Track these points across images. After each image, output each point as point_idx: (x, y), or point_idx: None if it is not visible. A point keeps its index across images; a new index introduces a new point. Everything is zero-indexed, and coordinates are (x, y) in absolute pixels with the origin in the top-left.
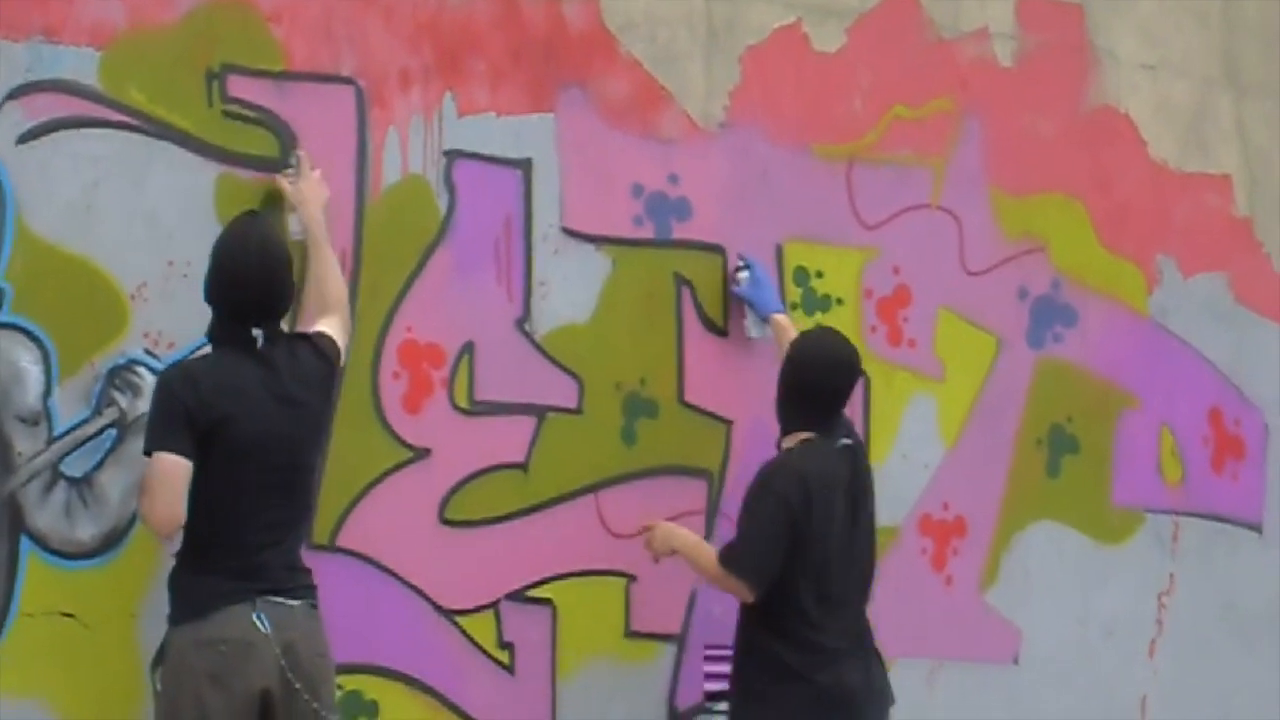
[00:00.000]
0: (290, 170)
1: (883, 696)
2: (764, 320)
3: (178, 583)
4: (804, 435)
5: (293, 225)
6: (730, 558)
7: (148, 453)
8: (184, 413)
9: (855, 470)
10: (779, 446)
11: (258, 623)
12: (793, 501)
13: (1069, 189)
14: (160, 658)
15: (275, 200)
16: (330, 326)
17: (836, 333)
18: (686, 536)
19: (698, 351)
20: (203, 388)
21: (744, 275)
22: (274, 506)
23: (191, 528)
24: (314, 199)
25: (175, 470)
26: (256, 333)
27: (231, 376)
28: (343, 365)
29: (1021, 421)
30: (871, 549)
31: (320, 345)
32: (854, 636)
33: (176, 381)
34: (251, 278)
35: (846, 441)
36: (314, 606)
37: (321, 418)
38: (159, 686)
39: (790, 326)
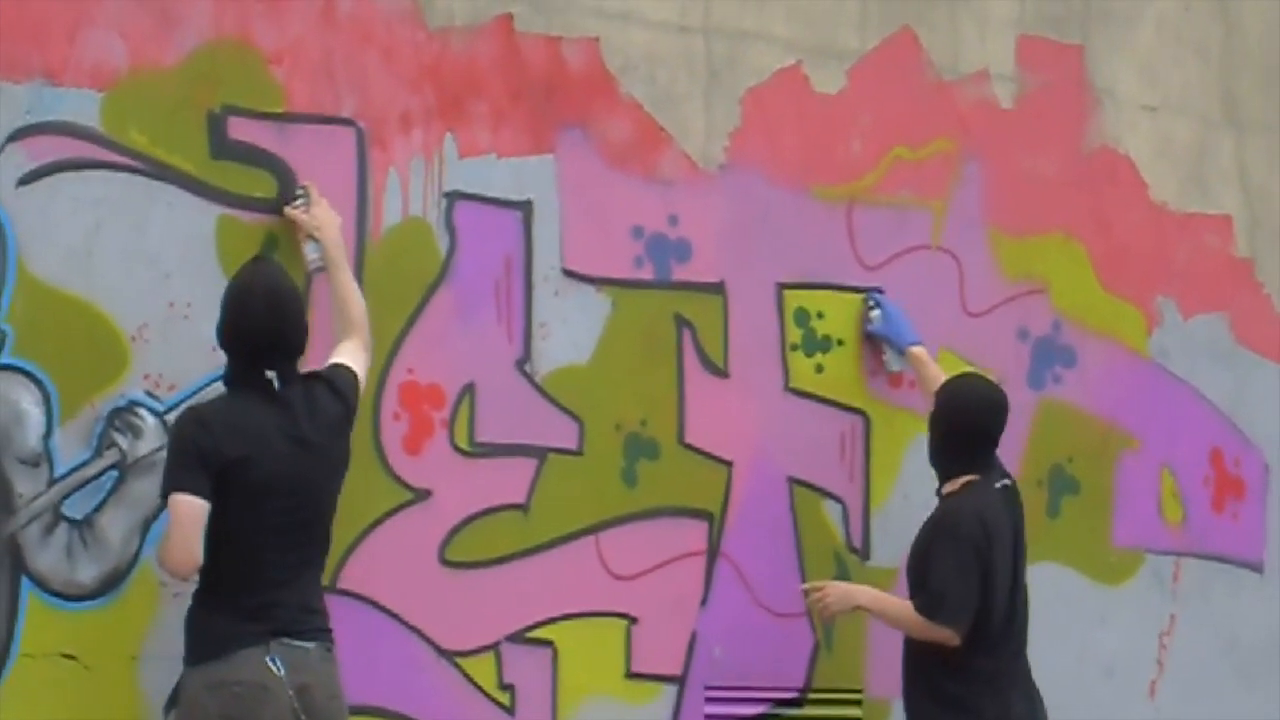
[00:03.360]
0: (300, 201)
1: None
2: (901, 354)
3: (193, 623)
4: (966, 478)
5: (310, 254)
6: (933, 607)
7: (164, 495)
8: (197, 453)
9: (1015, 509)
10: (939, 494)
11: (271, 666)
12: (980, 544)
13: (1069, 230)
14: (174, 700)
15: (282, 239)
16: (348, 353)
17: (981, 376)
18: (869, 592)
19: (698, 392)
20: (216, 429)
21: (876, 314)
22: (289, 547)
23: (207, 568)
24: (331, 223)
25: (191, 511)
26: (271, 375)
27: (245, 418)
28: (363, 381)
29: (1022, 462)
30: (1026, 589)
31: (337, 384)
32: (1019, 671)
33: (189, 424)
34: (260, 322)
35: (1006, 482)
36: (329, 649)
37: (338, 460)
38: None
39: (929, 359)
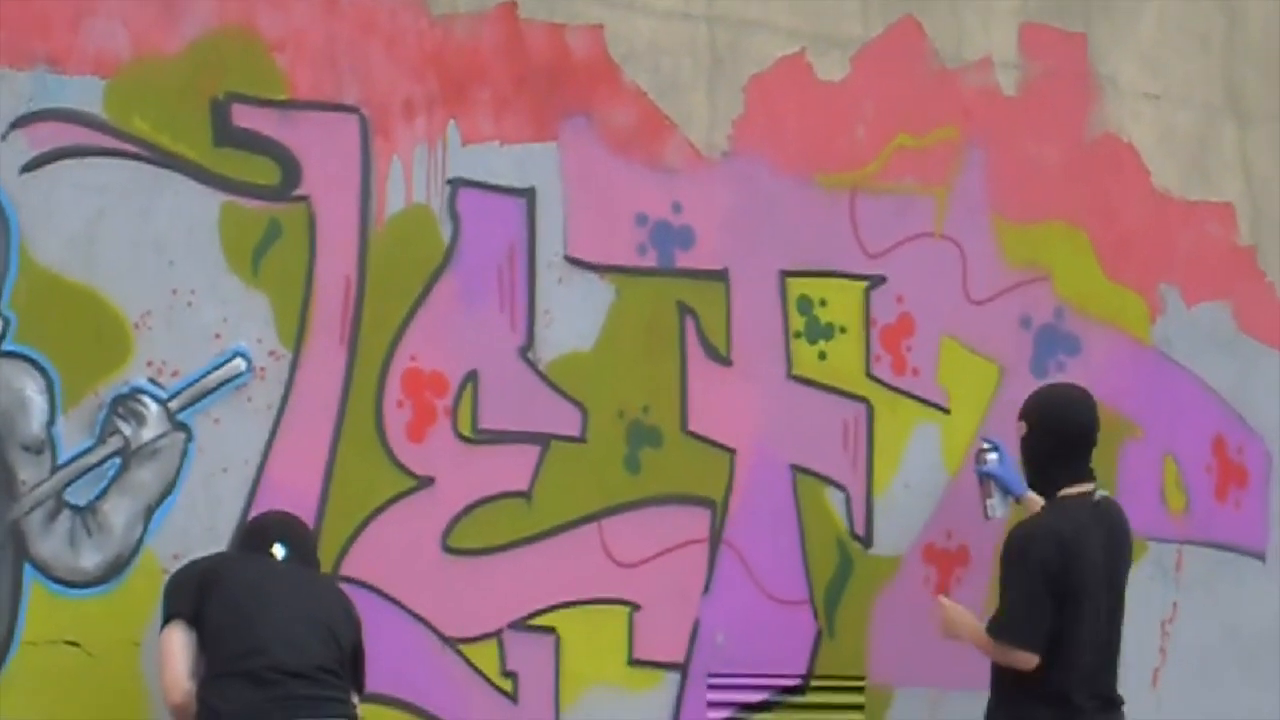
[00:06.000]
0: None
1: None
2: (1017, 500)
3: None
4: (1064, 492)
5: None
6: (1000, 629)
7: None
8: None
9: (1110, 526)
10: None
11: None
12: (1051, 565)
13: (1072, 218)
14: None
15: (285, 225)
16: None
17: (1069, 383)
18: (965, 620)
19: (701, 380)
20: (212, 566)
21: (993, 457)
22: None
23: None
24: None
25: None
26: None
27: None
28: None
29: None
30: (1122, 605)
31: (353, 612)
32: (1104, 692)
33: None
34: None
35: (1102, 494)
36: None
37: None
38: None
39: (1038, 499)
